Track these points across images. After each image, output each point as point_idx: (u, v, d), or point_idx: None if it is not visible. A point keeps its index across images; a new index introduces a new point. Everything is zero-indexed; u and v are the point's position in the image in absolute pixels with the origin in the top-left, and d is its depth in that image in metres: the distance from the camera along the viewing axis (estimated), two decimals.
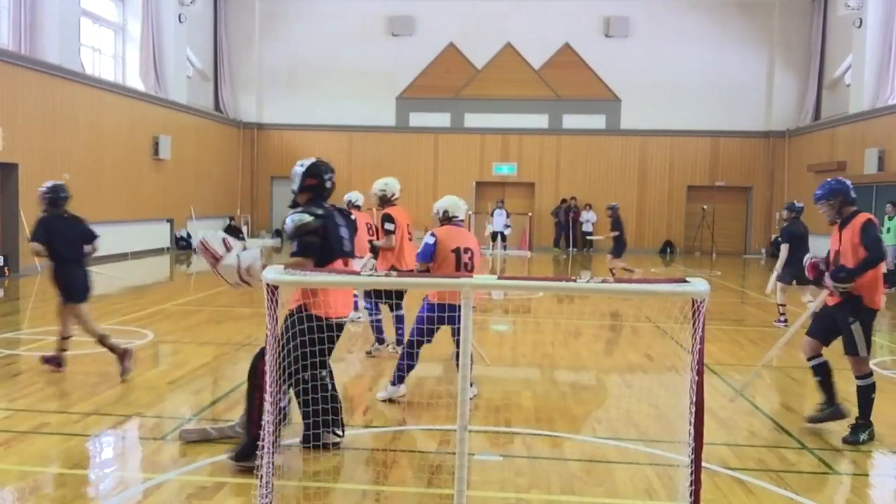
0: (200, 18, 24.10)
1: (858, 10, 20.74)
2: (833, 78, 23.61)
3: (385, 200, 8.09)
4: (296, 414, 5.25)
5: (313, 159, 5.08)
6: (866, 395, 5.64)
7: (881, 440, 5.79)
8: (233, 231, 25.20)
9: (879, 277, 5.62)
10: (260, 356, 4.78)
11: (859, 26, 20.75)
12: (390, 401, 6.30)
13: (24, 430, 5.43)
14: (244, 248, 4.78)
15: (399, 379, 6.34)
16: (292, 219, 4.76)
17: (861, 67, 20.75)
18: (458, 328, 6.13)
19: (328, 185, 5.03)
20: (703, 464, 3.49)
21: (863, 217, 5.70)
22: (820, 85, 24.41)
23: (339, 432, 5.15)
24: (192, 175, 22.98)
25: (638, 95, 25.41)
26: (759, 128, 25.53)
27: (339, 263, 4.90)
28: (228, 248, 4.70)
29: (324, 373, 4.95)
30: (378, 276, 3.63)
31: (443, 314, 6.04)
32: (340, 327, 5.00)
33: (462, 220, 6.65)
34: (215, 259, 4.66)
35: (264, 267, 4.56)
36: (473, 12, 25.58)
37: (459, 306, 6.12)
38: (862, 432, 5.61)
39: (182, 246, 22.08)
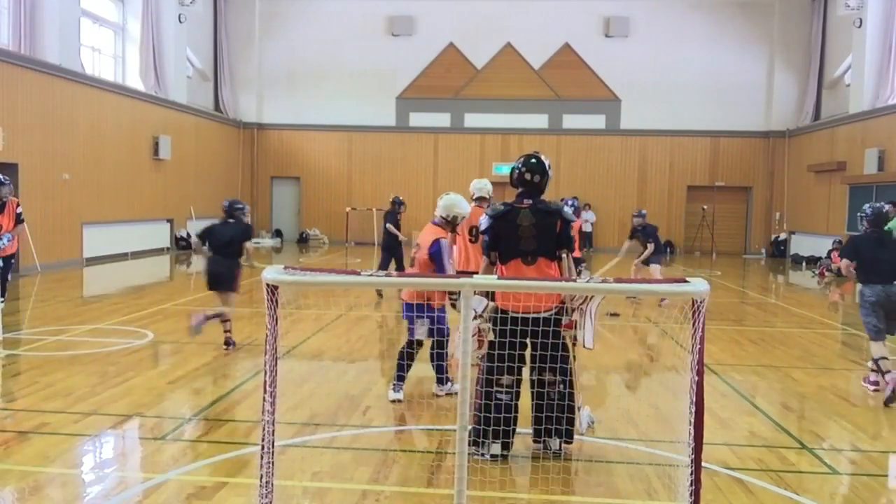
0: (200, 18, 24.11)
1: (858, 10, 20.74)
2: (833, 78, 23.61)
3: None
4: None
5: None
6: None
7: (881, 440, 5.79)
8: None
9: None
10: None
11: (859, 26, 20.75)
12: (399, 401, 6.33)
13: (24, 430, 5.44)
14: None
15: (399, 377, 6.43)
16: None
17: (861, 67, 20.75)
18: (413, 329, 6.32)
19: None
20: (703, 464, 3.49)
21: None
22: (820, 85, 24.41)
23: (499, 446, 4.96)
24: (192, 175, 22.98)
25: (638, 95, 25.41)
26: (759, 128, 25.53)
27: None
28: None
29: (505, 380, 4.96)
30: (378, 275, 3.62)
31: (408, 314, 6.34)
32: (531, 322, 4.85)
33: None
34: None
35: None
36: (473, 12, 25.58)
37: (420, 305, 6.23)
38: None
39: (182, 246, 22.08)
